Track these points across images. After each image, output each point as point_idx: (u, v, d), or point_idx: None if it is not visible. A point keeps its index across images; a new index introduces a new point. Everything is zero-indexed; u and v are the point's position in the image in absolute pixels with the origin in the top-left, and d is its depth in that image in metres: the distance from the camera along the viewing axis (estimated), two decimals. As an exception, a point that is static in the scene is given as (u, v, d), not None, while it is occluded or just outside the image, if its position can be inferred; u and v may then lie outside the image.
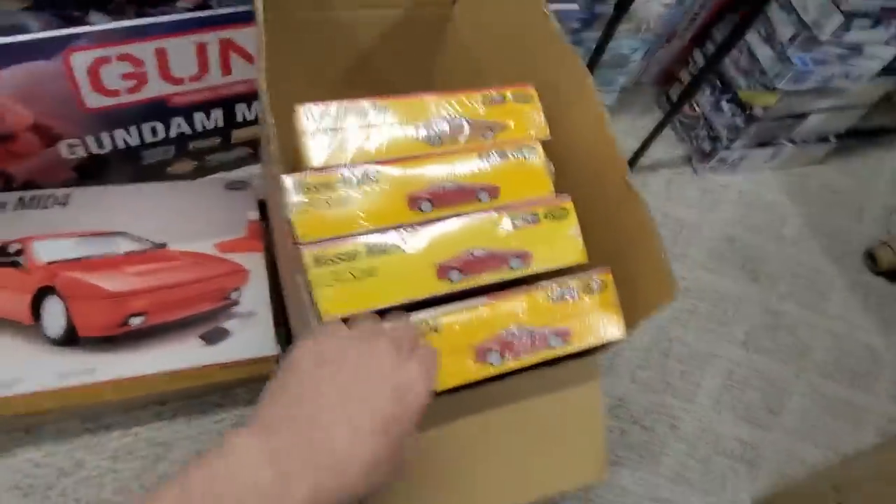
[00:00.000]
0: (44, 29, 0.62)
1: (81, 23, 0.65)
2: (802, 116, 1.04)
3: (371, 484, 0.32)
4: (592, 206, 0.53)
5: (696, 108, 1.09)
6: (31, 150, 0.67)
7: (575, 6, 0.84)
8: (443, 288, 0.47)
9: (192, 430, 0.69)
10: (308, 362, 0.34)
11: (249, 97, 0.76)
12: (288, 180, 0.46)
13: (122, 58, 0.63)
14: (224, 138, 0.80)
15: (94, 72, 0.62)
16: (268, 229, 0.72)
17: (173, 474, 0.30)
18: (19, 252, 0.62)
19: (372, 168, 0.49)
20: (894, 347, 1.01)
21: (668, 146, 1.12)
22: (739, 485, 0.83)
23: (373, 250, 0.46)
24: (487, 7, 0.69)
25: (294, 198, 0.46)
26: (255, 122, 0.80)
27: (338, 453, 0.31)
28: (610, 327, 0.50)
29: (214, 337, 0.63)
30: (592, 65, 0.91)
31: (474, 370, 0.46)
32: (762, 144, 1.07)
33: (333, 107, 0.50)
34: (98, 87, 0.64)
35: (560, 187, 0.54)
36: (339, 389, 0.33)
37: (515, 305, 0.48)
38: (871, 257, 1.08)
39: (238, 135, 0.80)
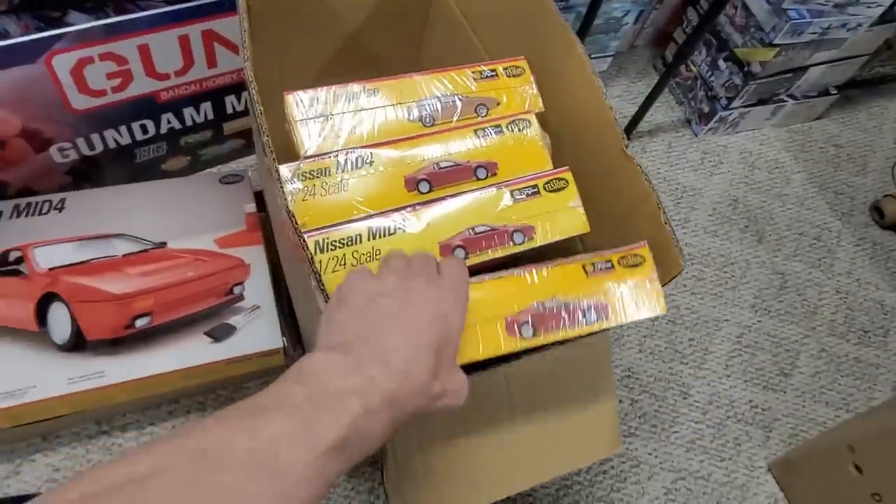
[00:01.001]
0: (24, 32, 0.61)
1: (61, 24, 0.63)
2: (801, 70, 1.02)
3: (431, 397, 0.35)
4: (591, 176, 0.52)
5: (693, 69, 1.07)
6: (23, 157, 0.66)
7: (563, -27, 0.82)
8: None
9: (205, 426, 0.70)
10: (356, 296, 0.37)
11: (238, 88, 0.75)
12: (284, 170, 0.46)
13: (105, 57, 0.62)
14: (216, 131, 0.79)
15: (77, 73, 0.61)
16: (266, 220, 0.72)
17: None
18: (20, 260, 0.62)
19: (366, 151, 0.48)
20: (904, 300, 1.00)
21: (666, 109, 1.11)
22: (754, 449, 0.83)
23: (375, 234, 0.46)
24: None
25: (291, 186, 0.46)
26: (245, 113, 0.79)
27: (404, 363, 0.34)
28: (652, 304, 0.47)
29: (221, 333, 0.63)
30: (584, 30, 0.89)
31: (506, 343, 0.44)
32: (762, 102, 1.05)
33: (323, 92, 0.49)
34: (84, 87, 0.63)
35: (557, 159, 0.53)
36: (389, 317, 0.36)
37: (549, 277, 0.45)
38: (877, 211, 1.07)
39: (230, 126, 0.80)
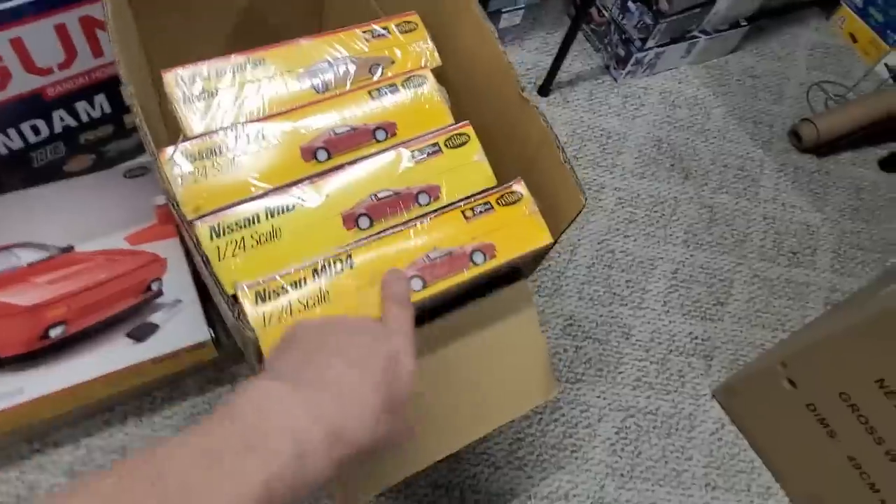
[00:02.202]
0: None
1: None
2: (709, 4, 1.03)
3: (378, 436, 0.34)
4: (493, 126, 0.51)
5: (605, 14, 1.07)
6: None
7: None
8: (353, 237, 0.45)
9: (145, 430, 0.68)
10: (306, 333, 0.37)
11: (132, 77, 0.71)
12: (167, 152, 0.43)
13: (-26, 55, 0.57)
14: (116, 125, 0.75)
15: (-56, 76, 0.57)
16: (180, 212, 0.69)
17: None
18: (-89, 283, 0.58)
19: (257, 125, 0.46)
20: (829, 221, 1.04)
21: (584, 58, 1.11)
22: (697, 378, 0.86)
23: (272, 212, 0.44)
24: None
25: (178, 170, 0.43)
26: (145, 102, 0.75)
27: (352, 400, 0.33)
28: (535, 236, 0.48)
29: (143, 333, 0.61)
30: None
31: None
32: (675, 41, 1.06)
33: (204, 67, 0.47)
34: (-46, 91, 0.59)
35: (458, 113, 0.52)
36: (340, 352, 0.35)
37: (429, 229, 0.46)
38: (795, 136, 1.10)
39: (131, 118, 0.76)
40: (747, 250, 0.98)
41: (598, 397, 0.82)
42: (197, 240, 0.41)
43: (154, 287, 0.64)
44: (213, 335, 0.63)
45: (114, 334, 0.61)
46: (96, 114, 0.72)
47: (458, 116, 0.51)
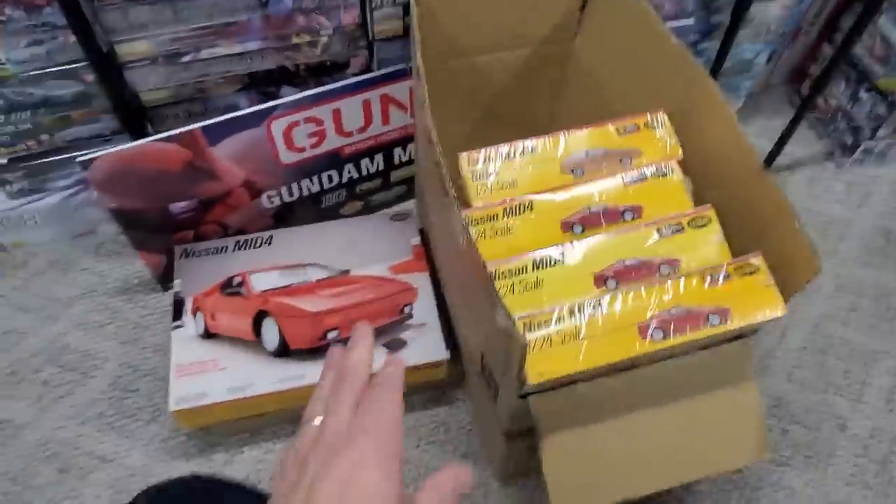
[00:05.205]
0: (251, 104, 0.78)
1: (276, 96, 0.81)
2: (956, 97, 0.99)
3: None
4: (727, 203, 0.57)
5: (832, 102, 1.07)
6: (242, 203, 0.83)
7: (690, 21, 0.88)
8: (602, 294, 0.54)
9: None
10: (279, 480, 0.33)
11: (405, 141, 0.88)
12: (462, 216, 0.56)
13: (309, 120, 0.77)
14: (384, 179, 0.93)
15: (287, 134, 0.77)
16: (428, 252, 0.83)
17: None
18: (240, 284, 0.77)
19: (526, 199, 0.58)
20: None
21: (805, 144, 1.11)
22: (926, 485, 0.78)
23: (538, 264, 0.54)
24: (607, 36, 0.76)
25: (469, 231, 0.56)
26: (410, 162, 0.92)
27: None
28: (769, 306, 0.52)
29: (395, 346, 0.74)
30: (715, 72, 0.94)
31: (639, 346, 0.51)
32: (912, 131, 1.02)
33: (488, 151, 0.60)
34: (290, 145, 0.79)
35: (697, 195, 0.59)
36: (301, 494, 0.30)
37: (672, 289, 0.53)
38: None
39: (396, 174, 0.93)
40: None
41: (806, 485, 0.78)
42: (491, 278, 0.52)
43: (406, 310, 0.77)
44: (448, 357, 0.74)
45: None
46: (373, 169, 0.90)
47: (696, 197, 0.58)
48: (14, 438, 0.77)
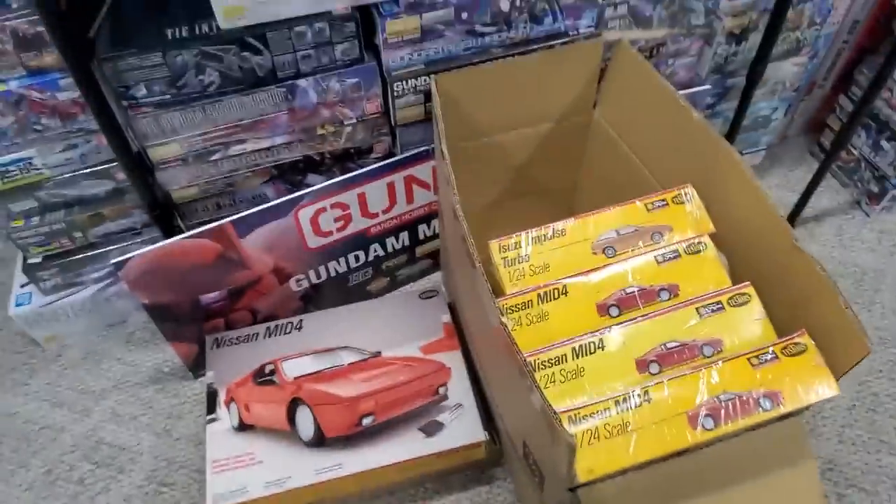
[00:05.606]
0: (277, 195, 0.79)
1: (302, 184, 0.82)
2: (980, 139, 0.98)
3: None
4: (760, 277, 0.56)
5: (854, 152, 1.06)
6: (271, 289, 0.83)
7: (707, 86, 0.89)
8: (644, 380, 0.53)
9: (416, 517, 0.78)
10: None
11: (429, 217, 0.89)
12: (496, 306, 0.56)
13: (335, 206, 0.78)
14: (410, 255, 0.93)
15: (314, 220, 0.78)
16: (458, 327, 0.82)
17: None
18: (273, 371, 0.76)
19: (560, 284, 0.57)
20: None
21: (830, 194, 1.10)
22: None
23: (578, 353, 0.53)
24: (627, 106, 0.77)
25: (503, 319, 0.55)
26: (435, 237, 0.92)
27: None
28: (820, 385, 0.51)
29: (432, 429, 0.73)
30: (733, 132, 0.94)
31: (690, 436, 0.49)
32: (939, 175, 1.01)
33: (519, 237, 0.60)
34: (317, 230, 0.80)
35: (732, 270, 0.58)
36: None
37: (719, 374, 0.51)
38: None
39: (421, 249, 0.93)
40: None
41: (869, 556, 0.75)
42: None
43: (441, 391, 0.76)
44: (487, 437, 0.72)
45: (409, 428, 0.73)
46: (399, 246, 0.90)
47: (731, 270, 0.58)
48: (50, 541, 0.76)
